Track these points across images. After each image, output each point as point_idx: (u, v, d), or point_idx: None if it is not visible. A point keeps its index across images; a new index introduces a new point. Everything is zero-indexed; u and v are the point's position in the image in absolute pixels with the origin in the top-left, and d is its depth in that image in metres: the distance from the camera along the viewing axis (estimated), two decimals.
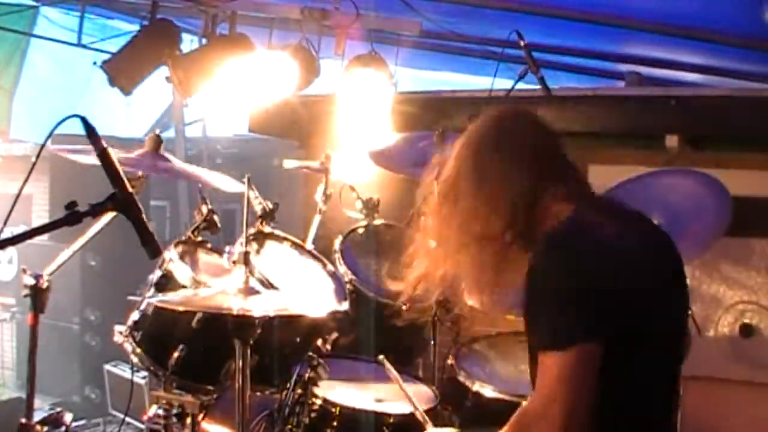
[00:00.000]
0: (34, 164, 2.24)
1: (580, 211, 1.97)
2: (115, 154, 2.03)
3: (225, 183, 3.24)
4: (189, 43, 4.44)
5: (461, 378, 3.05)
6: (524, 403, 1.93)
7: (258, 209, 3.29)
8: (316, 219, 3.78)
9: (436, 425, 2.59)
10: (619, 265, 1.91)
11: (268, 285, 2.88)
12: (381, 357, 2.79)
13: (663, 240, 2.10)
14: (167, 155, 3.18)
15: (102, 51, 4.39)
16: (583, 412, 1.80)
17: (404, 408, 2.64)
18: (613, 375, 1.84)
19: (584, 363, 1.81)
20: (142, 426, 2.94)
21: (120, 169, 2.01)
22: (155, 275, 2.95)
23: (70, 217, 1.92)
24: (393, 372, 2.73)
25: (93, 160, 2.09)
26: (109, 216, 2.46)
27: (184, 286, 2.86)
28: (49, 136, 2.12)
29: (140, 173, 3.02)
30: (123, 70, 3.93)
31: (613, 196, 2.09)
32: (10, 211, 2.10)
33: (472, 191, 2.03)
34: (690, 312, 3.35)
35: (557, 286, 1.87)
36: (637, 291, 1.90)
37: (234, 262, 2.45)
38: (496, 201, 2.01)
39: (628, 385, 1.90)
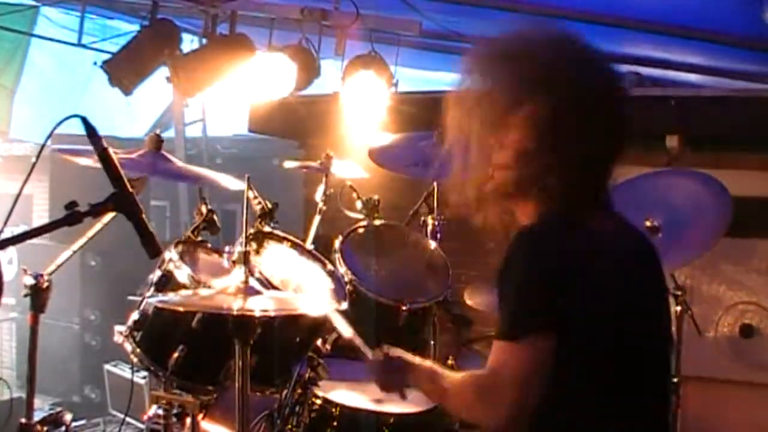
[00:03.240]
0: (34, 164, 2.24)
1: (563, 211, 1.96)
2: (115, 154, 2.04)
3: (226, 181, 3.26)
4: (189, 43, 4.44)
5: None
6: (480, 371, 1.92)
7: (258, 209, 3.29)
8: (316, 219, 3.78)
9: (435, 425, 2.58)
10: (588, 264, 1.89)
11: (268, 285, 2.88)
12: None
13: (645, 248, 2.08)
14: (167, 155, 3.19)
15: (102, 51, 4.38)
16: (527, 403, 1.80)
17: (404, 408, 2.64)
18: (572, 372, 1.84)
19: (535, 355, 1.81)
20: (142, 426, 2.93)
21: (120, 169, 2.01)
22: (155, 275, 2.94)
23: (70, 217, 1.92)
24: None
25: (92, 162, 2.09)
26: (109, 216, 2.47)
27: (184, 286, 2.86)
28: (49, 136, 2.12)
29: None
30: (123, 70, 3.93)
31: (611, 202, 2.07)
32: (10, 211, 2.10)
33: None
34: (690, 313, 3.37)
35: (519, 279, 1.87)
36: (605, 292, 1.88)
37: (234, 262, 2.44)
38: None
39: (589, 383, 1.87)
